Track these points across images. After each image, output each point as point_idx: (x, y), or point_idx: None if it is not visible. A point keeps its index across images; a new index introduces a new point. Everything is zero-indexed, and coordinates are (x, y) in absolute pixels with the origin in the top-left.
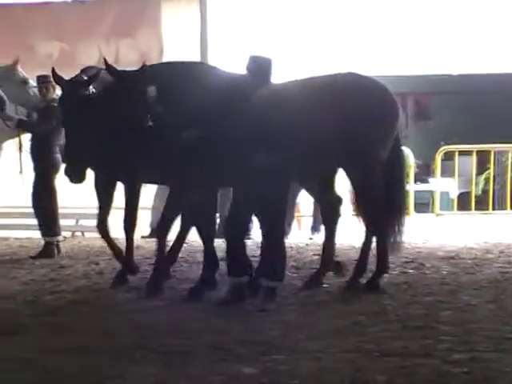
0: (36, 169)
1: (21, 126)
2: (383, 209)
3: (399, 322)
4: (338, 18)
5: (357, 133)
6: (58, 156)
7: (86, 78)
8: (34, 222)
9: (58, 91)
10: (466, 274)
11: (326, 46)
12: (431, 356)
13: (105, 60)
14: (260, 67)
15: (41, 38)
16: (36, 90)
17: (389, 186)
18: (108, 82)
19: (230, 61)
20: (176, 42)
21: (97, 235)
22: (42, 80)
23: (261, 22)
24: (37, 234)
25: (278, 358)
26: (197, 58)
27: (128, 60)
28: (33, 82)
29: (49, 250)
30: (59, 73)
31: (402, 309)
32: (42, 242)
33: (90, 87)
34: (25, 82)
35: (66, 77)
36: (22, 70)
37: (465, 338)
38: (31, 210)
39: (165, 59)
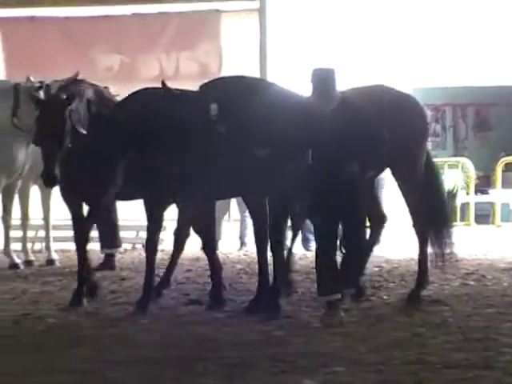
0: None
1: None
2: (424, 221)
3: (460, 334)
4: (399, 29)
5: (396, 147)
6: None
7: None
8: (95, 234)
9: None
10: None
11: (386, 56)
12: (492, 368)
13: (163, 83)
14: (323, 79)
15: (101, 51)
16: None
17: (429, 198)
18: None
19: (288, 72)
20: (235, 54)
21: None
22: None
23: (320, 32)
24: (97, 247)
25: (338, 369)
26: (256, 70)
27: (188, 72)
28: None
29: (110, 262)
30: (120, 85)
31: (462, 321)
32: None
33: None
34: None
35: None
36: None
37: None
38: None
39: (224, 71)
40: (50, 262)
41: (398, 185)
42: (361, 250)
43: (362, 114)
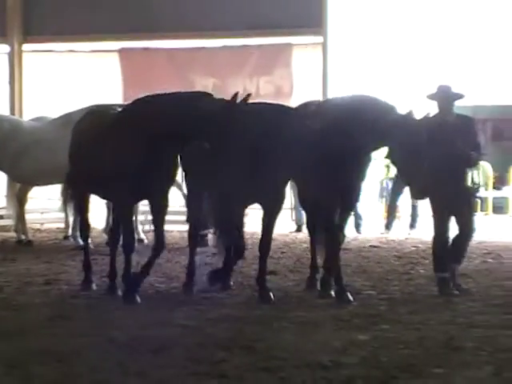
0: None
1: None
2: None
3: (482, 301)
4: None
5: None
6: None
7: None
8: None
9: None
10: None
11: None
12: (510, 328)
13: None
14: (445, 93)
15: (198, 75)
16: None
17: None
18: None
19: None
20: (304, 78)
21: None
22: None
23: (374, 61)
24: None
25: (385, 327)
26: (319, 93)
27: (266, 92)
28: None
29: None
30: None
31: (484, 290)
32: None
33: None
34: None
35: None
36: None
37: None
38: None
39: (294, 93)
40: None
41: None
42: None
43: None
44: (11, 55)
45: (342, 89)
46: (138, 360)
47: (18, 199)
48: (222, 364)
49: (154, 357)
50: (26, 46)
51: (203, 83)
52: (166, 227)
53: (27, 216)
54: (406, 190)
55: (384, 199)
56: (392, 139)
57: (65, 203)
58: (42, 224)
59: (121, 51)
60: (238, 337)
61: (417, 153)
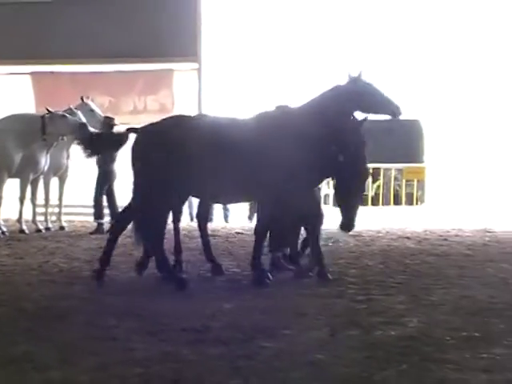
0: None
1: None
2: None
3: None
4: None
5: None
6: None
7: None
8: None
9: None
10: (365, 246)
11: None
12: (343, 297)
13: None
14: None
15: (97, 94)
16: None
17: None
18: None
19: (218, 110)
20: (182, 97)
21: None
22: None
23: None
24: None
25: (247, 297)
26: (195, 109)
27: (152, 109)
28: (99, 112)
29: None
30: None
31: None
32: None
33: None
34: (92, 110)
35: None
36: (92, 103)
37: (364, 286)
38: None
39: (176, 109)
40: (62, 228)
41: None
42: None
43: None
44: None
45: (214, 106)
46: (45, 326)
47: None
48: (114, 329)
49: (58, 323)
50: None
51: (101, 101)
52: (74, 218)
53: None
54: None
55: None
56: None
57: None
58: None
59: (32, 74)
60: (128, 306)
61: None
